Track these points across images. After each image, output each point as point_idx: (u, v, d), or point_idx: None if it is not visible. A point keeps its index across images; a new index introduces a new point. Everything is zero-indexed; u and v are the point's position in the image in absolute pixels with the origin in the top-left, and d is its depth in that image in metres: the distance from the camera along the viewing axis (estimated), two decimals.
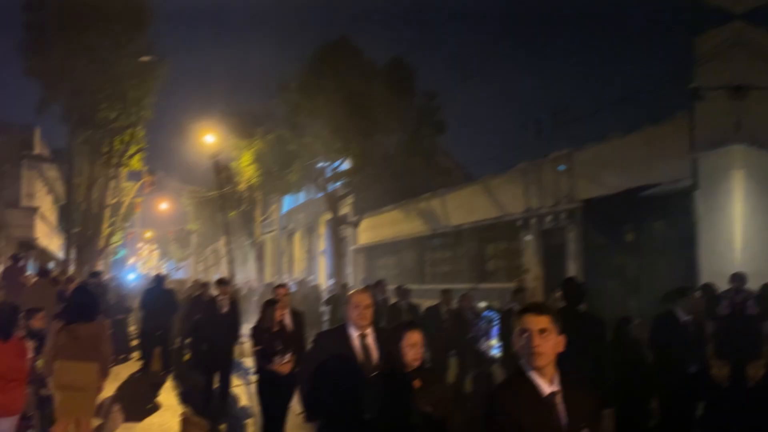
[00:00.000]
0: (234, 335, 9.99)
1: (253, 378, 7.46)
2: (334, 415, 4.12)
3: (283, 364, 6.45)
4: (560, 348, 2.74)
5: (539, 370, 2.71)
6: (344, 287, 15.72)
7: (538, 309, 2.82)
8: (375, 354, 4.24)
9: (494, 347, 9.27)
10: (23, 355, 5.62)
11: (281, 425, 6.78)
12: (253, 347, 7.30)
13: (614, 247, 14.60)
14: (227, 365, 9.80)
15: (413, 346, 3.73)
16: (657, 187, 12.94)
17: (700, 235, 12.08)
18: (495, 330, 9.42)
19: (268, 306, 6.83)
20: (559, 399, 2.71)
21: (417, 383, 3.66)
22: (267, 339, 6.59)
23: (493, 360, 8.80)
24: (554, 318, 2.76)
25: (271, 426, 6.78)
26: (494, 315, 10.22)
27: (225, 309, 9.66)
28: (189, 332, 12.46)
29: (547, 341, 2.70)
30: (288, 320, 7.06)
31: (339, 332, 4.41)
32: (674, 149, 12.53)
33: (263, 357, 6.59)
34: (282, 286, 7.80)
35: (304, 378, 4.45)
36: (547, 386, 2.71)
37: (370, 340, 4.30)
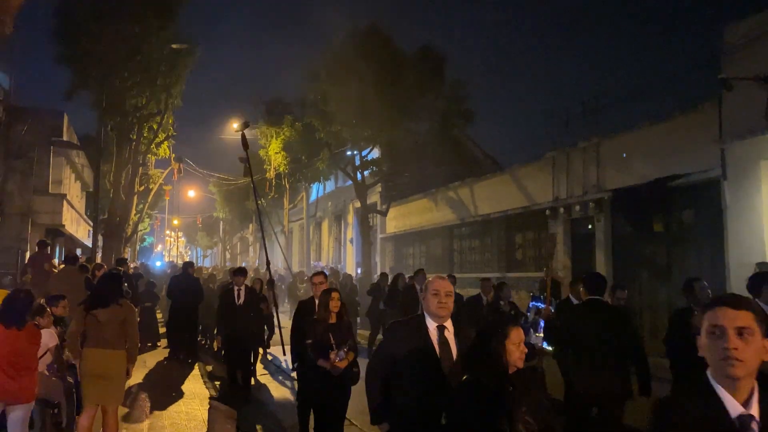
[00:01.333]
0: (251, 324, 9.97)
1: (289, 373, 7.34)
2: (407, 418, 3.71)
3: (342, 360, 5.69)
4: (766, 355, 2.10)
5: (732, 383, 2.07)
6: (384, 276, 15.37)
7: (736, 302, 2.14)
8: (454, 350, 3.75)
9: (543, 340, 8.72)
10: (36, 343, 5.59)
11: (335, 429, 5.89)
12: (293, 339, 6.79)
13: (642, 237, 14.49)
14: (249, 354, 9.92)
15: (518, 345, 3.33)
16: (685, 177, 12.93)
17: (728, 225, 12.03)
18: (542, 321, 8.82)
19: (325, 295, 6.04)
20: (755, 426, 2.05)
21: (516, 388, 3.18)
22: (321, 332, 5.81)
23: (543, 353, 8.38)
24: (759, 316, 2.12)
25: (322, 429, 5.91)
26: (542, 305, 9.75)
27: (242, 300, 9.65)
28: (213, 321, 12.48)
29: (749, 345, 2.06)
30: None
31: (415, 323, 3.91)
32: (703, 139, 12.49)
33: (317, 352, 5.77)
34: (319, 273, 7.14)
35: (373, 375, 3.95)
36: (738, 406, 2.06)
37: (450, 333, 3.82)
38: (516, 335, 3.35)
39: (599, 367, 5.51)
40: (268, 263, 12.62)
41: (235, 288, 9.78)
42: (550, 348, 7.95)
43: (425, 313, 3.87)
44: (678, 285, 12.97)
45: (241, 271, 10.26)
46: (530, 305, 10.50)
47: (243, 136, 12.59)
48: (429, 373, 3.64)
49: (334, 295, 6.00)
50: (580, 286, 7.28)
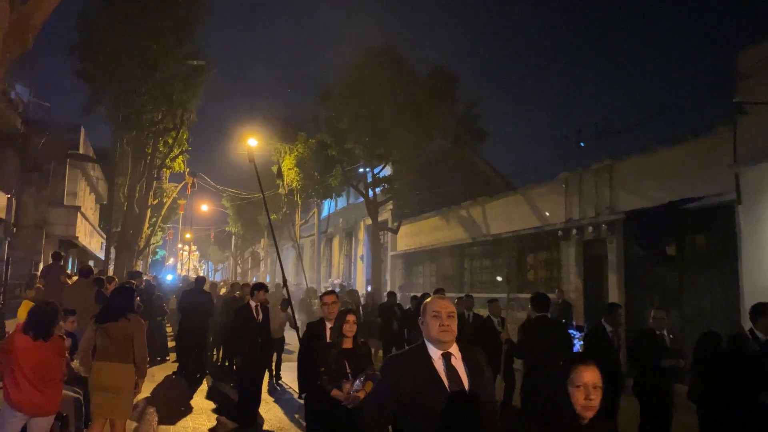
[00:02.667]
0: (269, 345, 9.54)
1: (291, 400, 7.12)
2: None
3: (359, 391, 5.04)
4: None
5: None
6: (393, 296, 14.88)
7: None
8: (465, 379, 3.21)
9: None
10: (62, 354, 5.66)
11: None
12: (301, 364, 6.18)
13: (655, 260, 14.36)
14: (263, 376, 9.48)
15: (586, 389, 2.78)
16: (699, 201, 12.86)
17: (742, 250, 11.93)
18: (575, 350, 8.46)
19: (340, 317, 5.38)
20: None
21: None
22: (335, 358, 5.16)
23: None
24: None
25: None
26: (576, 333, 9.43)
27: (260, 317, 9.10)
28: (224, 339, 12.40)
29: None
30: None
31: (415, 354, 3.32)
32: (717, 163, 12.43)
33: (330, 381, 5.12)
34: (331, 293, 6.38)
35: (374, 421, 3.36)
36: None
37: (458, 359, 3.27)
38: (582, 374, 2.81)
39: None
40: (284, 280, 12.05)
41: (253, 304, 9.16)
42: None
43: (426, 341, 3.32)
44: (690, 309, 12.99)
45: (261, 287, 9.55)
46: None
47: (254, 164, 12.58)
48: (439, 410, 3.08)
49: (350, 317, 5.32)
50: (614, 312, 7.56)
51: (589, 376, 2.80)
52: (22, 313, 6.36)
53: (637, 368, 7.27)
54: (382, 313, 13.94)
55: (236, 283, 14.19)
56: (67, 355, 6.82)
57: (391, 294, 14.99)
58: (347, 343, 5.26)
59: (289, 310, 12.23)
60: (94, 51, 19.63)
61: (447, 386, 3.16)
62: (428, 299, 3.43)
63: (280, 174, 28.63)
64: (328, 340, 5.54)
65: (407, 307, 13.87)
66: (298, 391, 6.94)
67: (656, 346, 7.14)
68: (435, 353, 3.26)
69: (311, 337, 5.94)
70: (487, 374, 3.32)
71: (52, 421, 5.58)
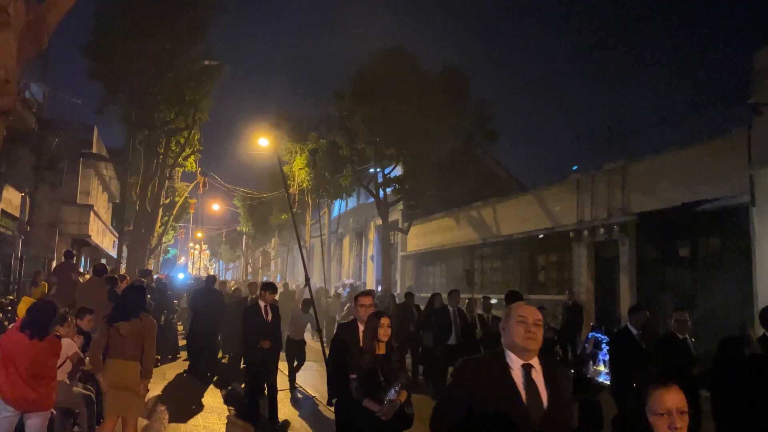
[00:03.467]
0: (278, 346, 9.38)
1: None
2: None
3: (393, 401, 4.66)
4: None
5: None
6: (411, 296, 14.31)
7: None
8: (544, 396, 2.94)
9: (602, 374, 7.82)
10: (56, 354, 5.68)
11: None
12: (330, 369, 5.75)
13: (668, 262, 14.32)
14: (275, 375, 9.23)
15: (667, 415, 2.52)
16: (713, 202, 12.83)
17: (756, 252, 11.90)
18: (603, 354, 8.10)
19: (373, 320, 4.95)
20: None
21: None
22: (368, 365, 4.74)
23: (600, 387, 7.71)
24: None
25: None
26: (602, 336, 8.82)
27: (270, 317, 9.04)
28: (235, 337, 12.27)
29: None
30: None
31: (494, 360, 3.05)
32: (731, 164, 12.40)
33: (363, 390, 4.70)
34: (367, 294, 5.95)
35: (441, 423, 3.09)
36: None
37: (538, 374, 2.99)
38: (662, 401, 2.55)
39: None
40: (307, 280, 11.48)
41: (262, 304, 9.09)
42: (607, 382, 7.55)
43: (506, 349, 3.05)
44: (704, 312, 12.88)
45: (269, 287, 9.45)
46: (589, 335, 9.69)
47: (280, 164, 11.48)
48: (512, 425, 2.86)
49: (384, 321, 4.91)
50: (638, 314, 7.34)
51: (673, 400, 2.53)
52: (22, 310, 6.41)
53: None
54: (398, 314, 13.12)
55: (254, 283, 13.88)
56: (80, 352, 6.89)
57: (409, 294, 14.63)
58: (381, 349, 4.86)
59: (312, 311, 11.90)
60: (108, 51, 19.79)
61: (524, 400, 2.92)
62: (512, 305, 3.20)
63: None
64: (361, 344, 5.11)
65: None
66: (327, 397, 6.32)
67: (681, 352, 6.78)
68: (515, 362, 3.00)
69: (342, 340, 5.49)
70: (568, 394, 3.13)
71: (47, 418, 5.60)
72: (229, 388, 11.20)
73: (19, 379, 5.22)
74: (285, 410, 9.59)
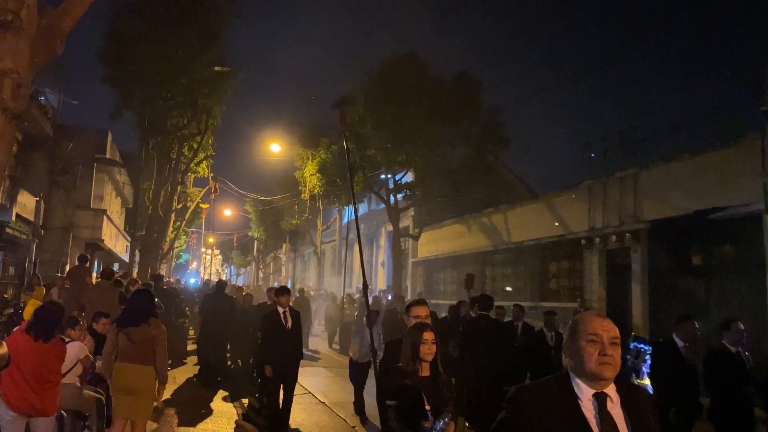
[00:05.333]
0: (298, 354, 8.91)
1: None
2: None
3: None
4: None
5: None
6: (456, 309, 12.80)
7: None
8: None
9: (647, 388, 6.84)
10: (61, 357, 5.64)
11: None
12: (378, 398, 4.61)
13: (680, 270, 14.20)
14: (292, 384, 8.80)
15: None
16: (726, 210, 12.71)
17: None
18: (646, 366, 7.40)
19: (415, 334, 4.08)
20: None
21: None
22: (410, 390, 3.89)
23: None
24: None
25: None
26: (645, 347, 8.24)
27: (289, 323, 8.64)
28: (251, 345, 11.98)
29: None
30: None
31: (556, 387, 2.43)
32: (744, 171, 12.30)
33: (403, 420, 3.84)
34: (422, 303, 4.90)
35: None
36: None
37: (615, 404, 2.36)
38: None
39: (485, 366, 7.76)
40: (365, 286, 8.33)
41: (280, 310, 8.70)
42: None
43: (571, 373, 2.43)
44: (716, 321, 12.75)
45: (284, 291, 8.96)
46: (631, 346, 9.05)
47: (341, 111, 9.60)
48: None
49: (427, 336, 4.04)
50: (686, 324, 6.54)
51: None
52: (28, 313, 6.43)
53: (713, 391, 6.21)
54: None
55: (273, 288, 13.55)
56: (91, 356, 6.93)
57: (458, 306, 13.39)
58: (424, 370, 4.00)
59: (377, 328, 9.83)
60: (122, 57, 19.96)
61: None
62: (580, 316, 2.51)
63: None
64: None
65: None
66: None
67: (736, 367, 6.15)
68: (585, 392, 2.36)
69: (391, 360, 4.52)
70: (655, 429, 2.42)
71: (52, 423, 5.59)
72: (240, 393, 11.21)
73: (24, 383, 5.19)
74: (295, 417, 9.59)
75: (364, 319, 8.42)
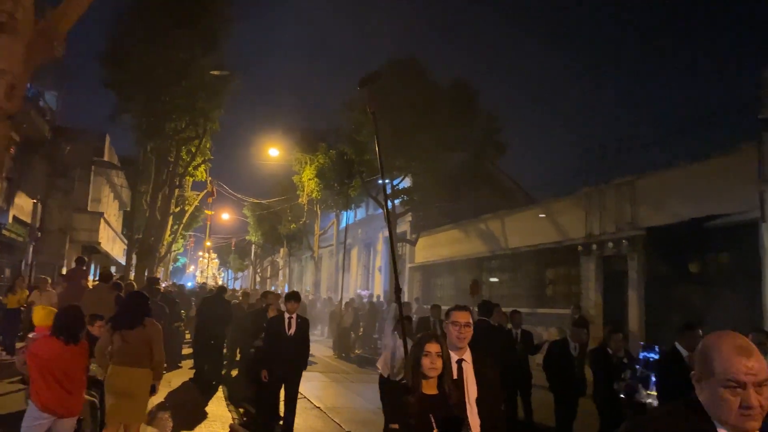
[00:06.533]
0: (303, 361, 8.70)
1: None
2: None
3: None
4: None
5: None
6: (436, 309, 12.75)
7: None
8: None
9: (656, 398, 6.64)
10: (87, 357, 5.79)
11: None
12: (385, 418, 3.79)
13: (677, 277, 14.24)
14: (294, 394, 8.50)
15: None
16: (723, 218, 12.77)
17: (766, 268, 11.83)
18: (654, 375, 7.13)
19: (418, 348, 3.39)
20: None
21: None
22: (416, 409, 3.23)
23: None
24: None
25: None
26: (655, 356, 8.08)
27: (293, 330, 8.35)
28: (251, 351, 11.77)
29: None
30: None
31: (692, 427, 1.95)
32: (741, 180, 12.38)
33: None
34: (465, 309, 3.92)
35: None
36: None
37: None
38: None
39: None
40: (398, 290, 6.76)
41: (286, 316, 8.41)
42: None
43: (707, 410, 1.95)
44: (713, 328, 12.77)
45: (291, 297, 8.58)
46: (640, 356, 8.85)
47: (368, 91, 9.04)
48: None
49: (431, 347, 3.34)
50: (690, 333, 6.23)
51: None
52: (39, 318, 6.42)
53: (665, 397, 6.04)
54: (419, 330, 11.10)
55: (268, 293, 13.28)
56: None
57: (435, 307, 13.35)
58: (430, 387, 3.34)
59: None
60: (122, 60, 19.96)
61: None
62: (714, 341, 2.00)
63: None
64: (455, 376, 3.58)
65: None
66: None
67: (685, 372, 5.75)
68: None
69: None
70: None
71: (75, 421, 5.67)
72: (234, 397, 11.18)
73: (57, 385, 5.30)
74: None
75: (393, 325, 7.76)
